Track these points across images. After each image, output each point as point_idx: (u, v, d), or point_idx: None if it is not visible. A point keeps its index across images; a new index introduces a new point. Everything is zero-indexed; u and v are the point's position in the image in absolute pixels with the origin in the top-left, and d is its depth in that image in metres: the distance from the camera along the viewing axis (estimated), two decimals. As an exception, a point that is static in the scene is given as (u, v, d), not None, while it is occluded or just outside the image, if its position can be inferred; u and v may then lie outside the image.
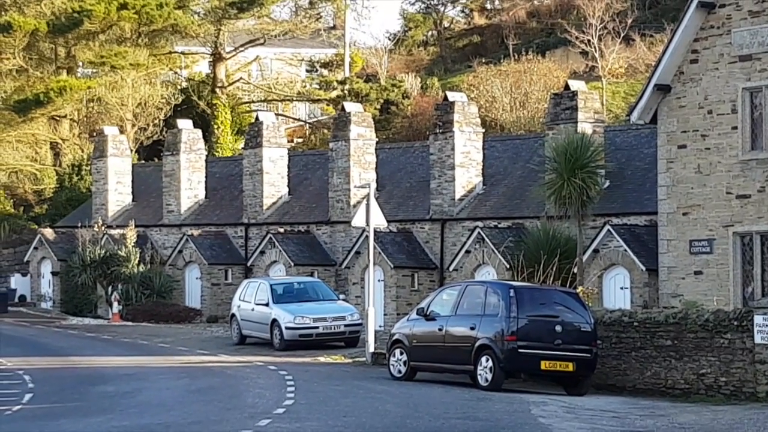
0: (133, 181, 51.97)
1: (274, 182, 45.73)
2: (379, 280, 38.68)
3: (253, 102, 63.71)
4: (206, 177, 49.17)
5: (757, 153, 29.84)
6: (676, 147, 31.22)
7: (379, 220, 31.75)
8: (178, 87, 61.79)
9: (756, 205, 29.65)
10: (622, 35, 55.09)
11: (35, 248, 51.27)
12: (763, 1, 29.60)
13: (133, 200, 51.85)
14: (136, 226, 47.20)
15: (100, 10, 56.35)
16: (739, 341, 23.65)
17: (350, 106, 43.91)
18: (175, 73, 64.28)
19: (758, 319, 23.17)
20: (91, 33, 58.38)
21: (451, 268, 37.88)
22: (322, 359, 31.85)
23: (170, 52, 62.50)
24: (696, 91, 30.82)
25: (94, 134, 56.24)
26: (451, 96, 40.62)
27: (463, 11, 74.69)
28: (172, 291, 46.14)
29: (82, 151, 59.02)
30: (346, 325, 34.87)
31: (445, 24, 73.89)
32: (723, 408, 21.85)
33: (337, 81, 62.08)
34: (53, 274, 50.56)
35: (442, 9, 73.80)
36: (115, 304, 45.51)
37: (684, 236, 30.94)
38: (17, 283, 52.93)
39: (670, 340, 24.77)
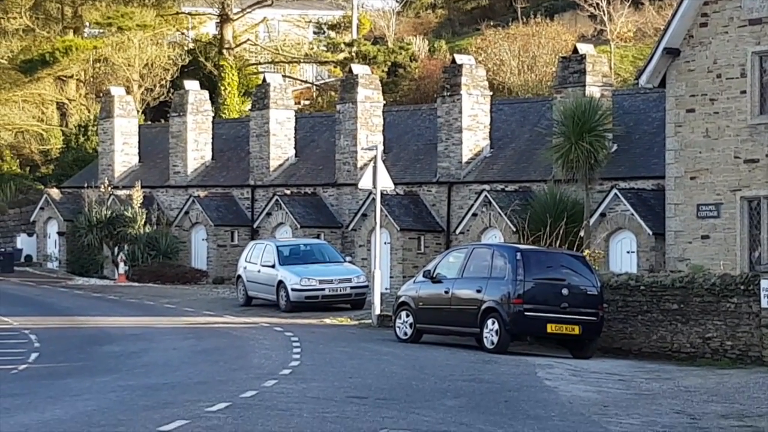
0: (139, 142, 51.92)
1: (280, 144, 45.66)
2: (385, 243, 38.66)
3: (260, 64, 63.57)
4: (213, 138, 49.10)
5: (766, 117, 29.71)
6: (684, 111, 31.10)
7: (385, 183, 31.69)
8: (185, 48, 61.62)
9: (764, 170, 29.56)
10: (631, -1, 54.83)
11: (41, 208, 51.29)
12: (774, -36, 29.39)
13: (139, 161, 51.82)
14: (142, 187, 47.19)
15: (107, -31, 56.15)
16: (745, 305, 23.64)
17: (358, 69, 43.77)
18: (182, 34, 64.11)
19: (765, 283, 23.14)
20: (98, -7, 58.19)
21: (457, 231, 37.85)
22: (328, 321, 31.89)
23: (177, 13, 62.32)
24: (705, 55, 30.67)
25: (101, 95, 56.15)
26: (459, 59, 40.47)
27: (471, -27, 74.29)
28: (178, 252, 46.16)
29: (89, 112, 58.97)
30: (352, 288, 34.88)
31: (454, -14, 73.53)
32: (729, 372, 21.86)
33: (344, 43, 61.90)
34: (59, 234, 50.60)
35: (450, -29, 73.42)
36: (121, 264, 45.57)
37: (691, 200, 30.87)
38: (23, 243, 53.01)
39: (676, 304, 24.76)
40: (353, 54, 59.11)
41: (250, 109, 49.12)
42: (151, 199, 48.23)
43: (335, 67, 61.74)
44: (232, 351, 23.78)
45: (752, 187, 29.79)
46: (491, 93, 40.76)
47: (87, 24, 61.66)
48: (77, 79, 61.05)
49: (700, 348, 24.27)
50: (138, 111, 54.47)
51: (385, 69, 58.38)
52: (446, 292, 25.66)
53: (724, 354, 23.84)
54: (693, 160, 30.88)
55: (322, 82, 65.41)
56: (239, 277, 37.30)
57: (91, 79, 60.75)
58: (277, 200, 43.31)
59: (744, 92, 29.95)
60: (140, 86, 58.35)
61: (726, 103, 30.29)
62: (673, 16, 31.46)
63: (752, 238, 29.85)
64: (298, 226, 42.28)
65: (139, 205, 46.06)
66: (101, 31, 60.77)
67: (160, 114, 58.94)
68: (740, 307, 23.74)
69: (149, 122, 57.59)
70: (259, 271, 36.11)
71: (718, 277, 24.36)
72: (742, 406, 16.87)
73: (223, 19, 60.41)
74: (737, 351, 23.66)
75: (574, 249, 29.54)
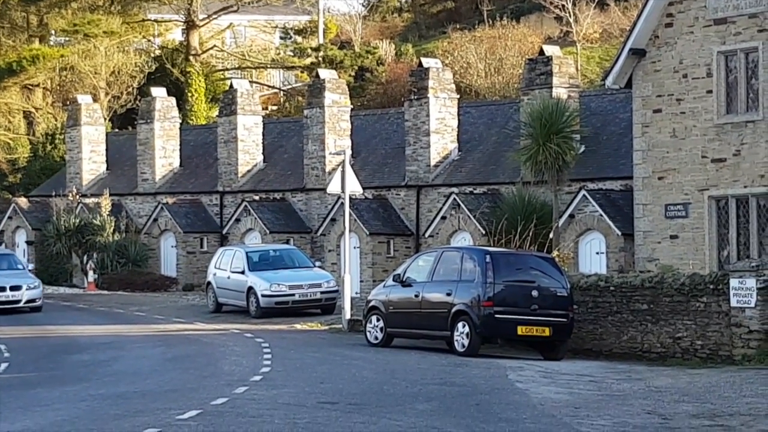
0: (107, 150, 51.70)
1: (248, 150, 45.56)
2: (354, 247, 38.64)
3: (227, 69, 63.44)
4: (181, 145, 48.95)
5: (732, 117, 29.86)
6: (651, 111, 31.21)
7: (354, 187, 31.68)
8: (152, 55, 61.44)
9: (731, 169, 29.70)
10: (596, 0, 55.00)
11: (9, 218, 50.98)
12: (737, -36, 29.53)
13: (107, 169, 51.60)
14: (110, 194, 46.99)
15: (72, -23, 55.91)
16: (714, 305, 23.73)
17: (324, 73, 43.74)
18: (149, 41, 63.92)
19: (734, 282, 23.23)
20: (64, 1, 57.98)
21: (427, 235, 37.86)
22: (298, 326, 31.82)
23: (143, 20, 62.13)
24: (671, 56, 30.79)
25: (68, 103, 55.86)
26: (426, 62, 40.49)
27: (437, -23, 74.37)
28: (148, 259, 45.99)
29: (56, 120, 58.68)
30: (322, 292, 34.84)
31: (420, -10, 73.59)
32: (699, 371, 21.92)
33: (311, 48, 61.86)
34: (28, 243, 50.30)
35: (416, -25, 73.48)
36: (91, 272, 45.35)
37: (659, 200, 30.97)
38: (-9, 252, 52.59)
39: (646, 304, 24.83)
40: (320, 59, 59.08)
41: (217, 115, 48.98)
42: (120, 206, 48.04)
43: (302, 72, 61.69)
44: (203, 358, 23.68)
45: (720, 187, 29.92)
46: (458, 96, 40.81)
47: (53, 32, 61.42)
48: (44, 88, 60.75)
49: (670, 348, 24.34)
50: (105, 119, 54.23)
51: (352, 73, 58.36)
52: (416, 296, 25.65)
53: (694, 353, 23.92)
54: (660, 160, 30.99)
55: (290, 87, 65.33)
56: (209, 283, 37.18)
57: (58, 88, 60.44)
58: (245, 206, 43.21)
59: (710, 92, 30.09)
60: (107, 94, 58.11)
61: (692, 103, 30.42)
62: (639, 16, 31.57)
63: (720, 238, 29.99)
64: (268, 231, 42.19)
65: (107, 212, 45.87)
66: (67, 39, 60.52)
67: (127, 121, 58.71)
68: (710, 307, 23.83)
69: (116, 130, 57.34)
70: (228, 278, 36.01)
71: (688, 277, 24.44)
72: (713, 406, 16.91)
73: (190, 25, 60.26)
74: (707, 350, 23.74)
75: (544, 251, 29.58)
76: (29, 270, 39.68)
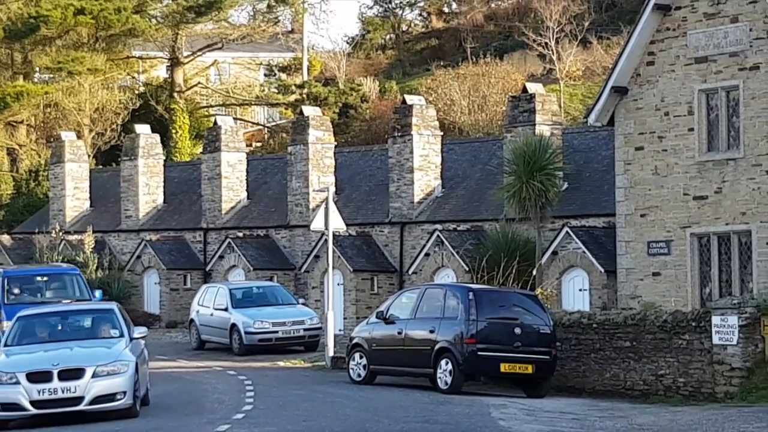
0: (90, 187, 51.65)
1: (232, 186, 45.58)
2: (338, 284, 38.62)
3: (211, 106, 63.52)
4: (164, 182, 48.93)
5: (714, 154, 30.00)
6: (633, 149, 31.35)
7: (337, 224, 31.71)
8: (136, 92, 61.50)
9: (713, 206, 29.81)
10: (579, 38, 55.33)
11: (-8, 255, 50.82)
12: (717, 3, 29.78)
13: (90, 206, 51.53)
14: (93, 231, 46.92)
15: (56, 15, 55.99)
16: (697, 342, 23.77)
17: (309, 110, 43.84)
18: (133, 77, 64.00)
19: (716, 319, 23.29)
20: (48, 38, 58.02)
21: (410, 271, 37.87)
22: (281, 364, 31.76)
23: (128, 57, 62.22)
24: (653, 93, 30.96)
25: (51, 140, 55.87)
26: (410, 99, 40.63)
27: (421, 15, 74.79)
28: (131, 296, 45.88)
29: (39, 157, 58.63)
30: (305, 330, 34.80)
31: (403, 27, 73.96)
32: (682, 409, 21.93)
33: (295, 85, 62.00)
34: (10, 280, 50.08)
35: (400, 12, 73.86)
36: (73, 310, 45.12)
37: (642, 237, 31.06)
38: (-26, 290, 52.40)
39: (628, 342, 24.85)
40: (304, 96, 59.22)
41: (201, 152, 49.01)
42: (103, 243, 47.97)
43: (286, 108, 61.82)
44: (185, 396, 23.61)
45: (702, 224, 30.02)
46: (442, 133, 40.92)
47: (37, 69, 61.43)
48: (27, 125, 60.73)
49: (653, 385, 24.35)
50: (89, 155, 54.21)
51: (336, 110, 58.50)
52: (399, 333, 25.64)
53: (677, 391, 23.94)
54: (643, 198, 31.10)
55: (274, 124, 65.43)
56: (192, 320, 37.12)
57: (42, 124, 60.43)
58: (229, 243, 43.18)
59: (692, 129, 30.24)
60: (91, 131, 58.10)
61: (674, 141, 30.56)
62: (620, 54, 31.75)
63: (703, 275, 30.06)
64: (251, 268, 42.15)
65: (90, 249, 45.78)
66: (51, 76, 60.54)
67: (111, 158, 58.69)
68: (692, 344, 23.87)
69: (100, 166, 57.32)
70: (211, 315, 35.96)
71: (670, 314, 24.49)
72: (695, 443, 16.92)
73: (174, 62, 60.38)
74: (690, 388, 23.76)
75: (527, 288, 29.64)
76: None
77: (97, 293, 30.92)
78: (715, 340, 23.28)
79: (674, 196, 30.47)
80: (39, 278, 30.88)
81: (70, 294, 30.06)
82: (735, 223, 29.41)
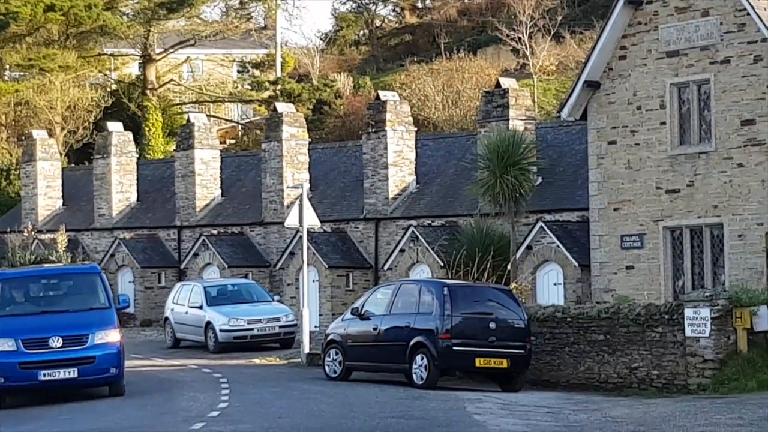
0: (63, 185, 51.42)
1: (206, 184, 45.48)
2: (313, 281, 38.60)
3: (184, 103, 63.35)
4: (138, 180, 48.78)
5: (686, 148, 30.14)
6: (606, 143, 31.45)
7: (312, 221, 31.69)
8: (108, 89, 61.24)
9: (685, 200, 29.95)
10: (552, 33, 55.42)
11: (-35, 254, 50.56)
12: (689, -3, 29.90)
13: (63, 204, 51.33)
14: (66, 230, 46.68)
15: (26, 12, 55.72)
16: (670, 334, 23.88)
17: (282, 107, 43.79)
18: (105, 75, 63.74)
19: (689, 312, 23.41)
20: (18, 35, 57.74)
21: (385, 267, 37.89)
22: (257, 361, 31.74)
23: (99, 54, 61.96)
24: (625, 88, 31.06)
25: (23, 138, 55.59)
26: (383, 95, 40.63)
27: (394, 10, 74.78)
28: (105, 295, 45.64)
29: (11, 155, 58.33)
30: (280, 327, 34.79)
31: (377, 23, 73.94)
32: (655, 401, 22.03)
33: (268, 81, 61.87)
34: (-17, 280, 49.83)
35: (373, 8, 73.84)
36: (47, 309, 44.94)
37: (615, 231, 31.17)
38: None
39: (602, 335, 24.95)
40: (278, 92, 59.11)
41: (174, 150, 48.89)
42: (76, 242, 47.78)
43: (260, 105, 61.69)
44: (160, 394, 23.56)
45: (674, 217, 30.16)
46: (416, 128, 40.94)
47: (8, 67, 61.12)
48: (-1, 123, 60.42)
49: (626, 378, 24.45)
50: (61, 154, 53.99)
51: (310, 106, 58.43)
52: (375, 329, 25.66)
53: (650, 383, 24.04)
54: (616, 192, 31.20)
55: (247, 120, 65.31)
56: (166, 318, 37.05)
57: (13, 123, 60.11)
58: (203, 240, 43.10)
59: (664, 123, 30.37)
60: (63, 129, 57.87)
61: (647, 135, 30.68)
62: (593, 49, 31.85)
63: (675, 268, 30.19)
64: (226, 266, 42.08)
65: (63, 248, 45.56)
66: (22, 73, 60.25)
67: (83, 156, 58.44)
68: (665, 337, 23.98)
69: (73, 165, 57.07)
70: (186, 313, 35.89)
71: (643, 307, 24.60)
72: (669, 435, 17.01)
73: (146, 59, 60.18)
74: (663, 380, 23.88)
75: (502, 282, 29.69)
76: None
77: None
78: (688, 332, 23.40)
79: (647, 190, 30.58)
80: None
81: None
82: (707, 216, 29.55)
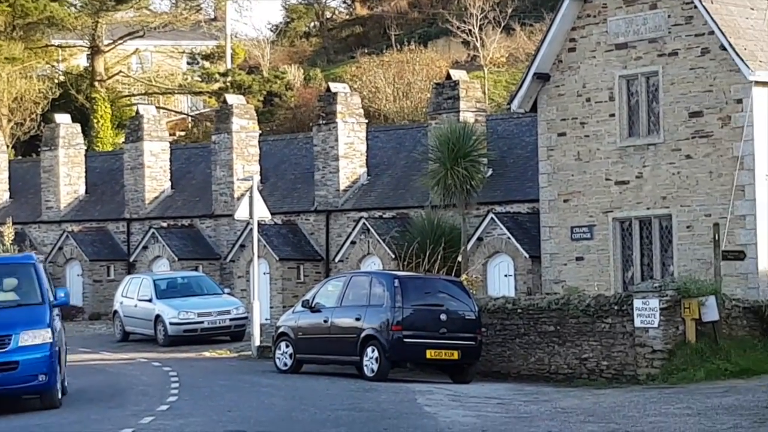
0: (10, 178, 50.95)
1: (156, 176, 45.23)
2: (264, 273, 38.49)
3: (133, 95, 62.91)
4: (86, 172, 48.42)
5: (635, 140, 30.30)
6: (556, 135, 31.56)
7: (262, 213, 31.58)
8: (56, 81, 60.71)
9: (634, 191, 30.11)
10: (502, 25, 55.52)
11: None
12: (637, -11, 30.04)
13: (10, 197, 50.84)
14: (13, 223, 46.23)
15: (-29, 3, 55.16)
16: (619, 325, 24.00)
17: (232, 99, 43.62)
18: (53, 66, 63.17)
19: (638, 303, 23.53)
20: (-36, 27, 57.12)
21: (336, 260, 37.84)
22: (207, 354, 31.61)
23: (47, 46, 61.39)
24: (574, 80, 31.18)
25: (-30, 130, 55.04)
26: (334, 87, 40.56)
27: (345, 2, 74.66)
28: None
29: (-42, 148, 57.69)
30: (231, 319, 34.67)
31: (328, 15, 73.76)
32: (605, 391, 22.14)
33: (218, 73, 61.59)
34: (-70, 274, 49.29)
35: (324, 0, 73.66)
36: (-5, 303, 44.54)
37: (565, 223, 31.30)
38: None
39: (553, 326, 25.04)
40: (228, 84, 58.84)
41: (123, 142, 48.58)
42: (24, 235, 47.37)
43: (210, 97, 61.38)
44: (109, 388, 23.40)
45: (623, 209, 30.32)
46: (367, 120, 40.92)
47: (-47, 58, 60.45)
48: (-55, 115, 59.77)
49: (576, 369, 24.55)
50: (8, 146, 53.46)
51: (261, 98, 58.21)
52: (325, 321, 25.62)
53: (600, 374, 24.16)
54: (566, 183, 31.32)
55: (197, 112, 64.99)
56: (116, 312, 36.83)
57: (-41, 115, 59.49)
58: (153, 233, 42.86)
59: (613, 115, 30.52)
60: (10, 120, 57.30)
61: (596, 127, 30.82)
62: (543, 41, 31.95)
63: (625, 259, 30.37)
64: (176, 258, 41.87)
65: (10, 242, 45.12)
66: (-32, 65, 59.60)
67: (31, 148, 57.90)
68: (615, 327, 24.10)
69: (20, 157, 56.56)
70: (135, 306, 35.69)
71: (593, 298, 24.71)
72: (618, 426, 17.07)
73: (94, 50, 59.69)
74: (613, 371, 24.00)
75: (453, 274, 29.74)
76: None
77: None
78: (637, 323, 23.53)
79: (596, 182, 30.73)
80: None
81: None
82: (656, 208, 29.74)
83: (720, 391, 20.40)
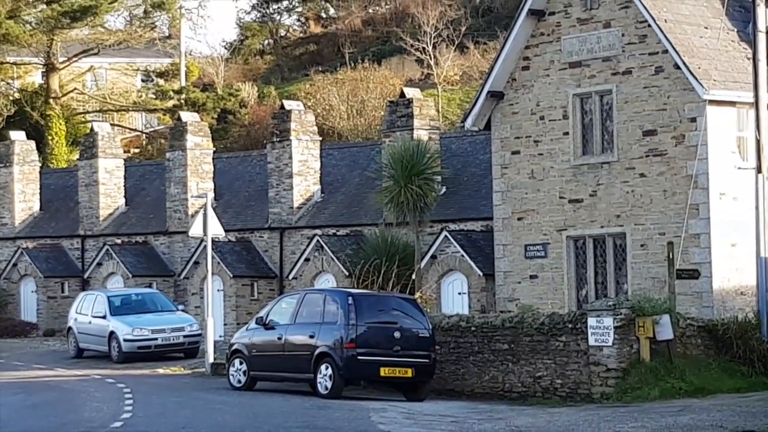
0: (-37, 194, 50.57)
1: (110, 193, 45.07)
2: (218, 290, 38.41)
3: (88, 112, 62.63)
4: (41, 189, 48.19)
5: (588, 158, 30.51)
6: (509, 153, 31.73)
7: (216, 230, 31.56)
8: (10, 98, 60.34)
9: (588, 209, 30.31)
10: (456, 43, 55.77)
11: None
12: (590, 8, 30.30)
13: (-37, 214, 50.47)
14: (-33, 240, 45.99)
15: (-75, 19, 54.74)
16: (573, 344, 24.11)
17: (186, 116, 43.58)
18: (7, 83, 62.79)
19: (592, 321, 23.65)
20: None
21: (290, 277, 37.83)
22: (161, 371, 31.51)
23: (1, 63, 61.04)
24: (528, 98, 31.37)
25: None
26: (288, 104, 40.60)
27: (299, 20, 74.70)
28: (7, 305, 45.12)
29: None
30: (185, 336, 34.62)
31: (282, 33, 73.80)
32: (559, 410, 22.23)
33: (173, 90, 61.44)
34: None
35: (278, 18, 73.71)
36: (-53, 320, 44.22)
37: (519, 241, 31.44)
38: None
39: (507, 344, 25.12)
40: (182, 101, 58.72)
41: (78, 159, 48.37)
42: (-23, 252, 47.04)
43: (164, 114, 61.22)
44: (63, 405, 23.27)
45: (577, 227, 30.51)
46: (321, 138, 40.96)
47: None
48: None
49: (531, 387, 24.64)
50: (-39, 162, 53.06)
51: (215, 116, 58.15)
52: (279, 339, 25.61)
53: (554, 392, 24.25)
54: (520, 201, 31.49)
55: (152, 129, 64.79)
56: (70, 328, 36.64)
57: None
58: (107, 250, 42.70)
59: (567, 134, 30.72)
60: (-37, 137, 56.89)
61: (550, 145, 31.01)
62: (496, 59, 32.13)
63: (579, 277, 30.54)
64: (130, 275, 41.72)
65: (-37, 258, 44.87)
66: None
67: (-16, 165, 57.50)
68: (569, 346, 24.20)
69: (-27, 173, 56.13)
70: (90, 323, 35.54)
71: (547, 317, 24.81)
72: (572, 443, 17.17)
73: (49, 68, 59.42)
74: (567, 389, 24.09)
75: (407, 292, 29.79)
76: None
77: None
78: (591, 341, 23.65)
79: (550, 200, 30.90)
80: None
81: None
82: (610, 226, 29.94)
83: (675, 410, 20.53)
